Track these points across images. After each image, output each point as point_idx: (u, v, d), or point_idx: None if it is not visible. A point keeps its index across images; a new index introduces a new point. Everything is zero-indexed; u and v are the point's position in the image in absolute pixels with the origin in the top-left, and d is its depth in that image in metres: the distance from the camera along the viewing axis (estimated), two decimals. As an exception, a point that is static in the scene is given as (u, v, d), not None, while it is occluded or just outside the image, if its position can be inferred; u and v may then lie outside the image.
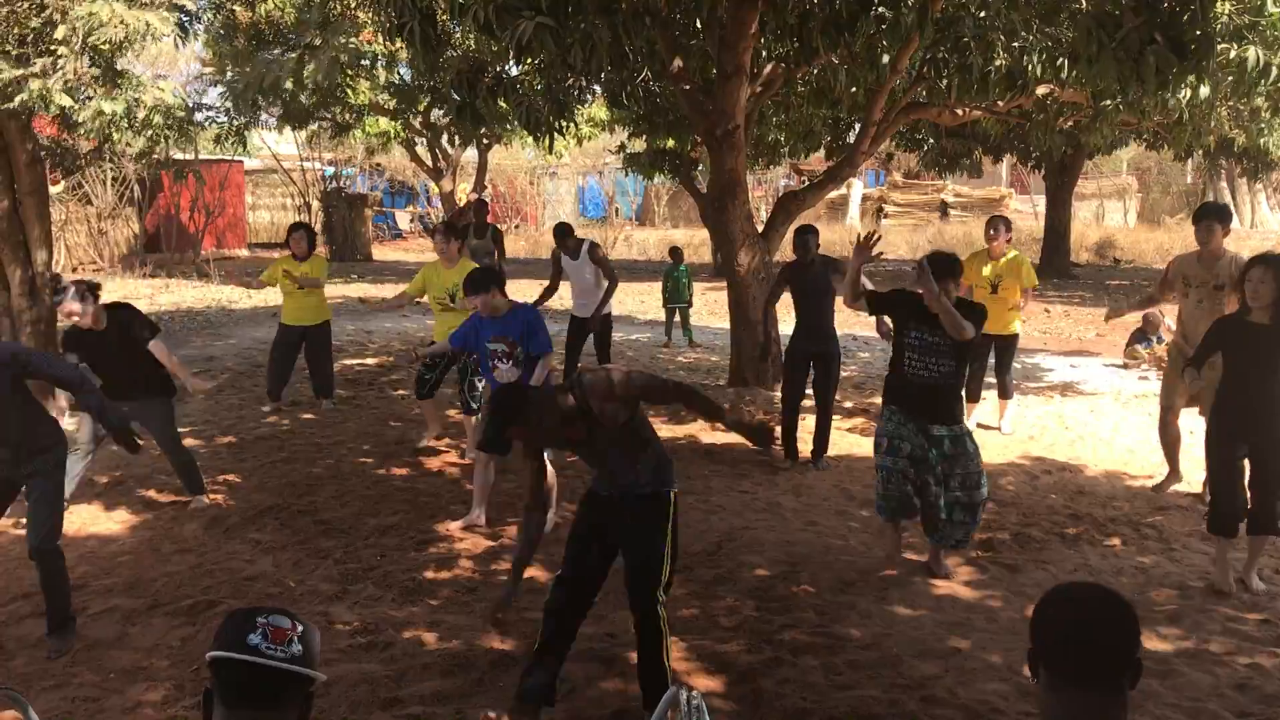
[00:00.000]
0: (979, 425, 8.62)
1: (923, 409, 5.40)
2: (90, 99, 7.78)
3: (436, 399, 8.05)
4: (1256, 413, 5.23)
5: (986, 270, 8.32)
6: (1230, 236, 6.86)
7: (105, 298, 6.40)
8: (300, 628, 2.00)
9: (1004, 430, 8.63)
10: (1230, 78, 7.41)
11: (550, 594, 4.09)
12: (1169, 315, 10.51)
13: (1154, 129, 13.60)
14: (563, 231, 9.37)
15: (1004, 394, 8.65)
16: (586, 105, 16.15)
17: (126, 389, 6.23)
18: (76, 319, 6.11)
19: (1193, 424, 7.14)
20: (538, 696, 3.94)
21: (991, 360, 8.58)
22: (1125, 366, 11.84)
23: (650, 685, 3.94)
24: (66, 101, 7.53)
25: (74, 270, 21.37)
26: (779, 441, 3.98)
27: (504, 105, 8.92)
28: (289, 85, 15.76)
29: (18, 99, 7.50)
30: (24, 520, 5.04)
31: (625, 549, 4.03)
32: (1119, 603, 2.03)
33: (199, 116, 18.48)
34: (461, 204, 24.74)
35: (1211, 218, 6.54)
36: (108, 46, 7.57)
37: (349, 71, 17.36)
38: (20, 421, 4.75)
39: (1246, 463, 5.33)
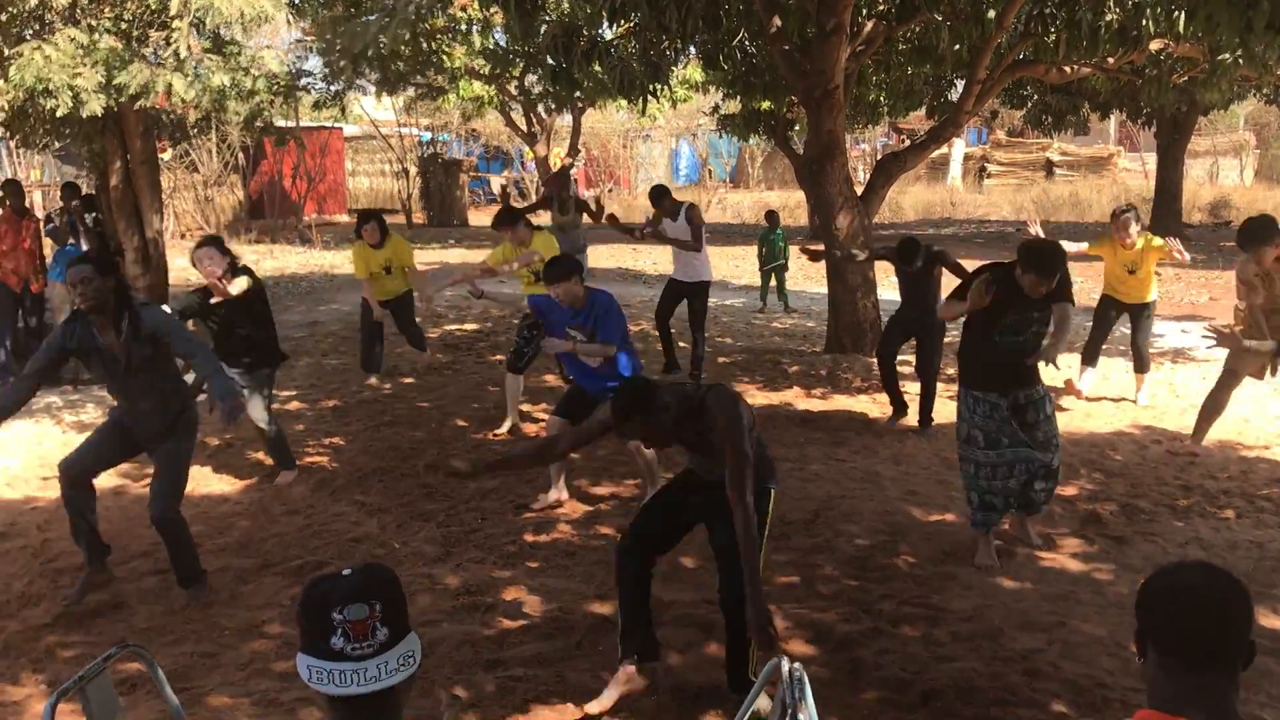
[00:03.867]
0: (1105, 398, 8.43)
1: (1008, 378, 5.21)
2: (200, 74, 7.99)
3: (521, 384, 8.06)
4: None
5: (1119, 256, 8.00)
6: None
7: None
8: (378, 605, 1.84)
9: (1140, 402, 8.35)
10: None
11: (621, 556, 4.00)
12: None
13: (1275, 83, 12.98)
14: (659, 194, 9.33)
15: (1141, 367, 8.31)
16: (681, 67, 16.02)
17: (237, 351, 6.43)
18: (212, 278, 6.27)
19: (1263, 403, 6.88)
20: (649, 653, 3.98)
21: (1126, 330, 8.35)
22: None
23: (737, 670, 3.94)
24: (181, 88, 7.73)
25: (182, 237, 22.04)
26: (769, 643, 3.79)
27: (598, 69, 8.90)
28: (381, 49, 15.86)
29: (150, 98, 7.73)
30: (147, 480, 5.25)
31: (722, 536, 3.90)
32: (1234, 583, 1.97)
33: (301, 82, 18.80)
34: (556, 168, 24.85)
35: (1257, 241, 6.32)
36: (222, 23, 7.75)
37: (436, 38, 17.43)
38: (157, 385, 4.96)
39: None
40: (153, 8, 7.94)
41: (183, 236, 22.02)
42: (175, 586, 5.09)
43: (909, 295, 7.67)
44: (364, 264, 9.10)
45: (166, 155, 20.08)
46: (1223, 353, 7.08)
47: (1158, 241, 7.94)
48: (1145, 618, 2.01)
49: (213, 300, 6.28)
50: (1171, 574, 2.04)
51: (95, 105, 7.76)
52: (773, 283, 13.56)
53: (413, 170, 28.69)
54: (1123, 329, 8.78)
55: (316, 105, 18.70)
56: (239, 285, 6.28)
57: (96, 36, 7.76)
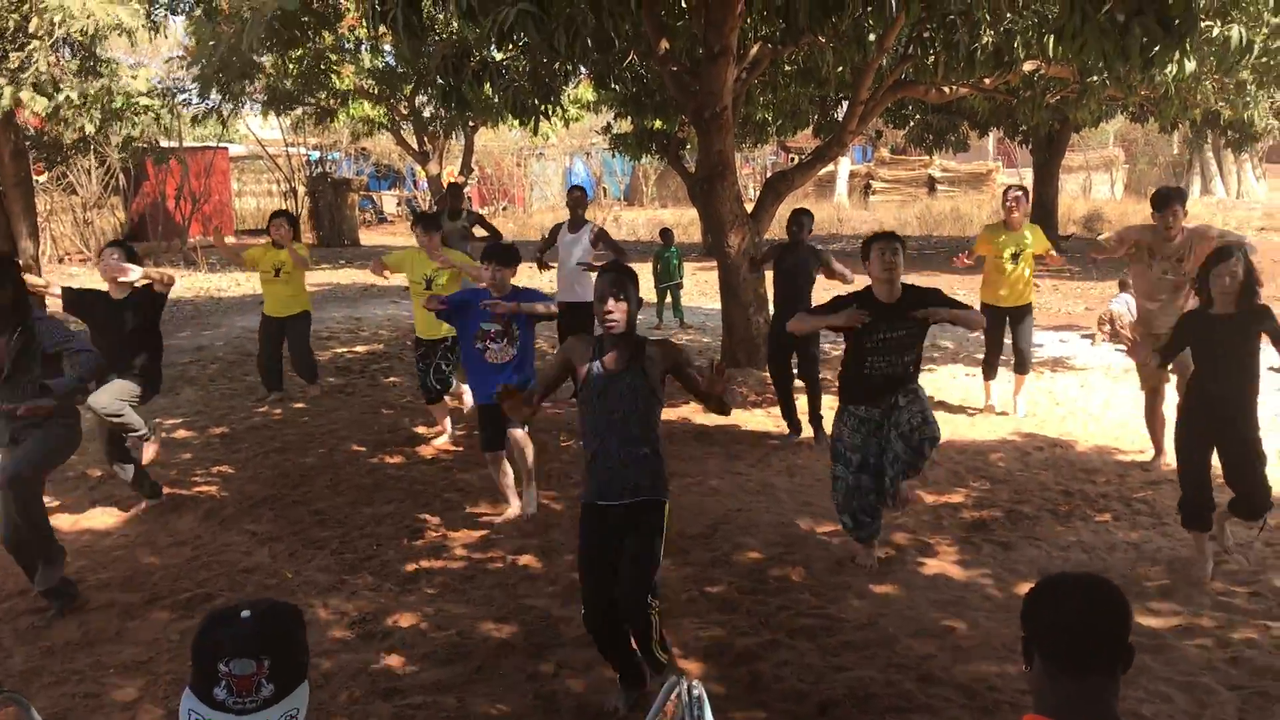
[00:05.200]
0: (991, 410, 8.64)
1: (885, 394, 5.29)
2: (61, 91, 7.78)
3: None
4: (1227, 407, 5.13)
5: (1004, 240, 8.19)
6: (1217, 207, 6.94)
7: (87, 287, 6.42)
8: (266, 661, 1.82)
9: (1018, 413, 8.53)
10: (1214, 54, 7.41)
11: (585, 618, 4.04)
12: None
13: (1140, 102, 13.60)
14: (578, 194, 9.19)
15: (1022, 368, 8.51)
16: (573, 86, 16.08)
17: (117, 364, 6.18)
18: (119, 278, 6.08)
19: (1138, 409, 7.17)
20: (635, 680, 4.08)
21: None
22: (1092, 340, 11.91)
23: (645, 652, 4.06)
24: (41, 104, 7.53)
25: (60, 261, 21.27)
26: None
27: (489, 90, 8.89)
28: (253, 59, 15.57)
29: None
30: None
31: (631, 545, 3.97)
32: (1112, 591, 2.07)
33: (179, 98, 18.34)
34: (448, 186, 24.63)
35: (1175, 202, 6.54)
36: (83, 37, 7.57)
37: (325, 58, 17.22)
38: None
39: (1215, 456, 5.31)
40: (14, 23, 7.69)
41: (60, 260, 21.25)
42: (54, 626, 4.90)
43: (786, 302, 7.78)
44: (257, 257, 8.94)
45: (42, 178, 19.38)
46: (1098, 360, 7.38)
47: (1039, 230, 8.24)
48: (1030, 626, 2.10)
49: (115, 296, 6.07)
50: (1054, 584, 2.13)
51: None
52: (668, 299, 13.67)
53: (301, 190, 28.18)
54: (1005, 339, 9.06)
55: (194, 120, 18.27)
56: (144, 275, 6.12)
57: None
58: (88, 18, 7.45)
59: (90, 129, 8.45)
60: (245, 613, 1.87)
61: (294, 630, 1.91)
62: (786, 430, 8.01)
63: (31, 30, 7.53)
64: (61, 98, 7.83)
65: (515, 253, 6.09)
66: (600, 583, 3.96)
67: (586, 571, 4.02)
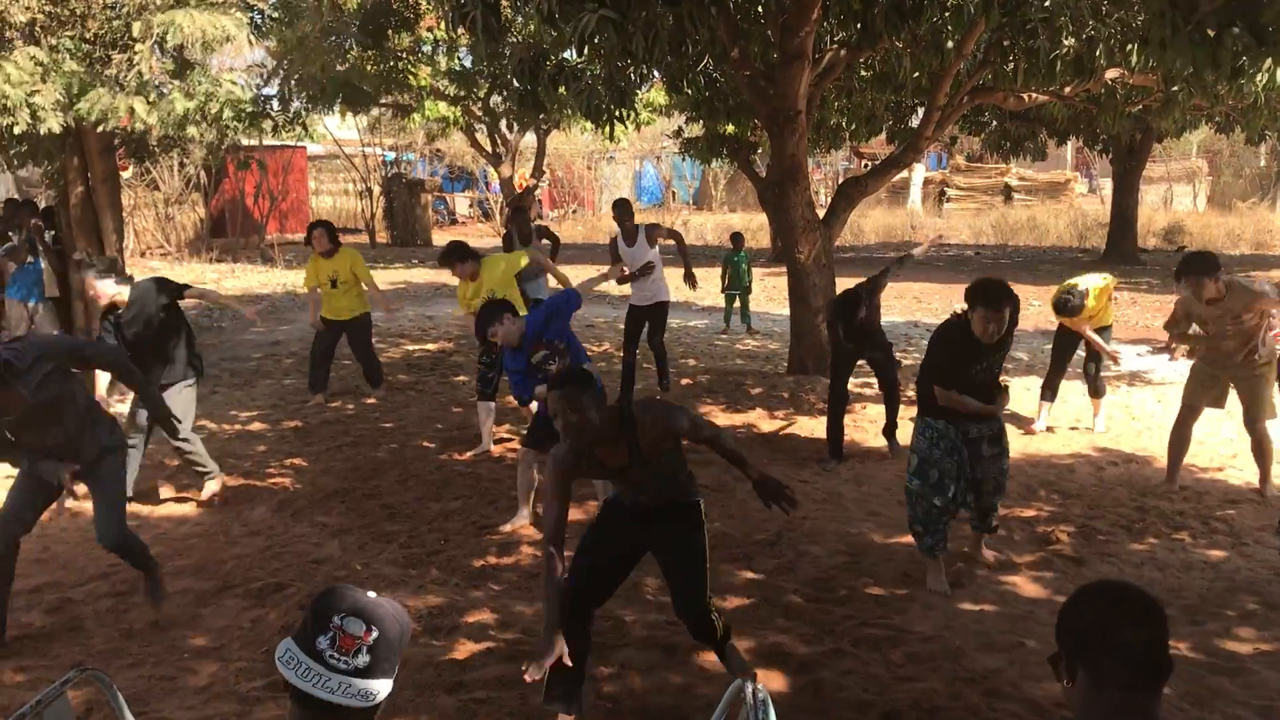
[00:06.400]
0: (1060, 423, 8.47)
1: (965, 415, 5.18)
2: (165, 95, 7.96)
3: (493, 410, 8.05)
4: None
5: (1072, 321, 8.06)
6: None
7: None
8: (375, 633, 1.91)
9: (1098, 429, 8.35)
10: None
11: (569, 593, 3.88)
12: None
13: (1226, 113, 13.27)
14: (622, 208, 9.30)
15: (1095, 392, 8.35)
16: (645, 90, 16.10)
17: (152, 365, 6.25)
18: (100, 298, 6.17)
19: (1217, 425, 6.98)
20: (566, 702, 3.91)
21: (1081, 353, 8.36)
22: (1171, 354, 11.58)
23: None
24: (142, 109, 7.70)
25: (142, 255, 21.82)
26: (789, 502, 3.79)
27: (564, 93, 8.94)
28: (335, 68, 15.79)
29: (112, 120, 7.70)
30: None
31: (666, 562, 3.98)
32: (1154, 601, 2.03)
33: (268, 104, 18.68)
34: (520, 189, 24.83)
35: (1195, 273, 6.35)
36: (192, 46, 7.76)
37: (402, 59, 17.43)
38: (75, 419, 4.73)
39: None
40: (115, 29, 7.91)
41: (143, 255, 21.81)
42: (133, 609, 5.04)
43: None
44: (313, 274, 9.05)
45: (127, 173, 19.91)
46: (1176, 374, 7.22)
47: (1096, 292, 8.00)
48: (1074, 640, 2.03)
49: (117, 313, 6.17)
50: (1096, 595, 2.08)
51: (54, 122, 7.69)
52: (736, 304, 13.64)
53: (376, 190, 28.62)
54: (1078, 352, 8.88)
55: (276, 128, 18.60)
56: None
57: (58, 56, 7.71)
58: (191, 29, 7.62)
59: (194, 131, 8.64)
60: (372, 593, 1.99)
61: (404, 628, 2.00)
62: (830, 447, 7.64)
63: (136, 34, 7.71)
64: (179, 108, 7.97)
65: (506, 305, 5.99)
66: (596, 568, 3.96)
67: (589, 551, 3.99)
